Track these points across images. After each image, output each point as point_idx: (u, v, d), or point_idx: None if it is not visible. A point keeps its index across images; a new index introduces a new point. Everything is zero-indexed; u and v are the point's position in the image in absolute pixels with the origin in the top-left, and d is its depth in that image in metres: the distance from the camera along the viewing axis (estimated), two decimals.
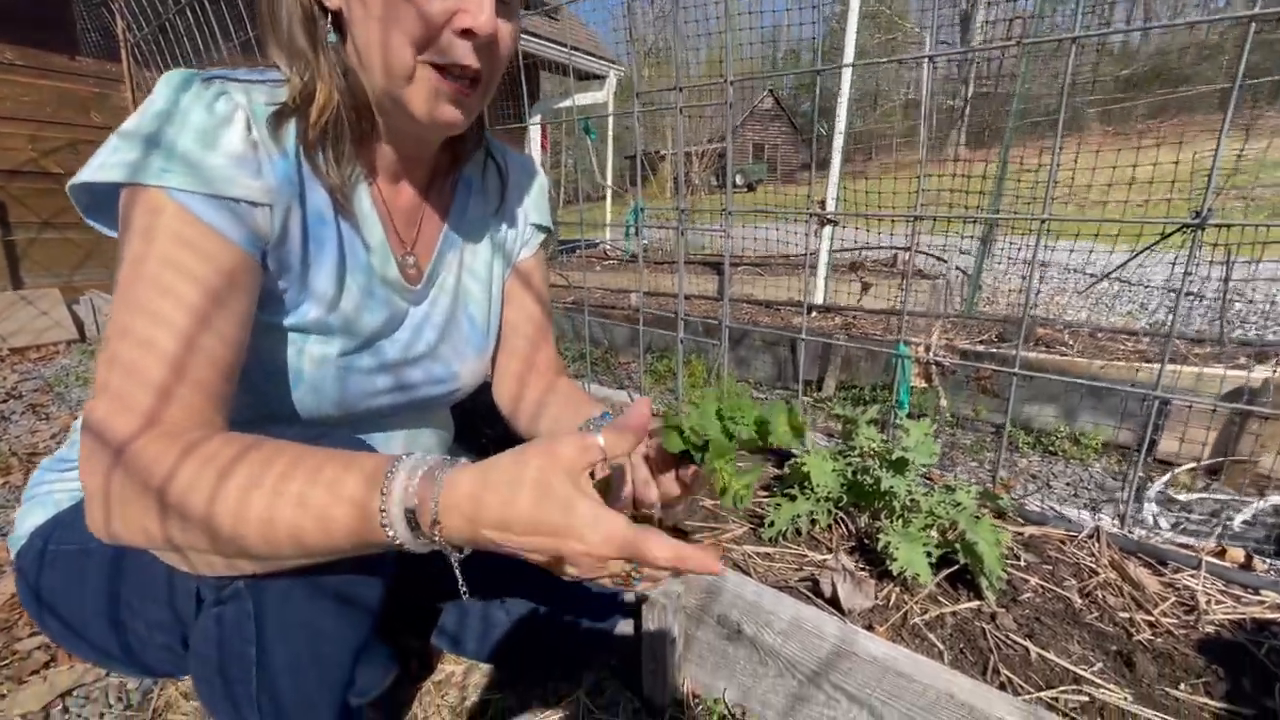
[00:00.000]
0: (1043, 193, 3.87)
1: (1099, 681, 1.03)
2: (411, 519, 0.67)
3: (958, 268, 4.85)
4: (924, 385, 1.61)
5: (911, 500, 1.36)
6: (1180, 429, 2.39)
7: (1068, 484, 2.37)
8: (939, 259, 5.07)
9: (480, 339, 1.12)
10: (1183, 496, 1.80)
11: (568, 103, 8.11)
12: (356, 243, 0.93)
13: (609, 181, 7.68)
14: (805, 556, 1.37)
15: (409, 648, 1.53)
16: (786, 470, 1.55)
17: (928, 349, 1.60)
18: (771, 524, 1.40)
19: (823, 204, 2.79)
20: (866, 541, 1.40)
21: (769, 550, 1.38)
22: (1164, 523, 1.86)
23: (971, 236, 4.61)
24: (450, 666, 1.48)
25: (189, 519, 0.66)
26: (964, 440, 2.74)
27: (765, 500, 1.57)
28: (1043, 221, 1.31)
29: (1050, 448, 2.63)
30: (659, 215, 7.76)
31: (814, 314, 3.75)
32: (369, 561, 0.80)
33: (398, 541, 0.68)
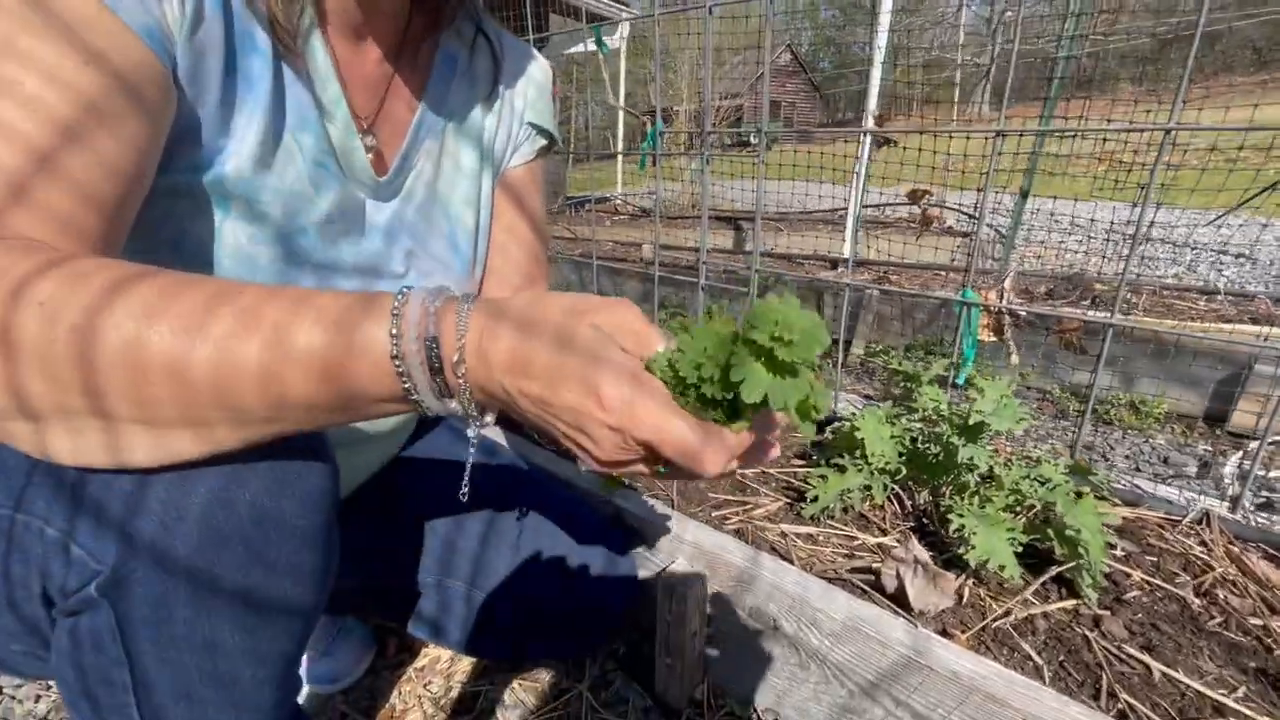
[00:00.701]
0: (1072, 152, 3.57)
1: (1248, 712, 0.81)
2: (433, 351, 0.49)
3: (990, 225, 4.58)
4: (993, 338, 1.37)
5: (988, 475, 1.13)
6: (1259, 400, 2.15)
7: (1126, 456, 2.13)
8: (968, 214, 4.78)
9: (462, 268, 0.88)
10: (1276, 473, 1.57)
11: (579, 48, 7.73)
12: (303, 96, 0.68)
13: (620, 102, 7.30)
14: (855, 539, 1.15)
15: (386, 625, 1.33)
16: (829, 435, 1.32)
17: (1000, 295, 1.37)
18: (814, 499, 1.17)
19: (880, 119, 2.50)
20: (926, 522, 1.18)
21: (811, 530, 1.16)
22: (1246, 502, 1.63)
23: (1007, 190, 4.32)
24: (434, 650, 1.28)
25: (50, 353, 0.43)
26: None
27: (803, 469, 1.34)
28: (1167, 133, 1.05)
29: (1106, 416, 2.40)
30: (676, 141, 7.42)
31: (841, 269, 3.48)
32: (300, 534, 0.57)
33: (407, 384, 0.50)
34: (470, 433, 0.56)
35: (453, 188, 0.86)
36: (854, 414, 1.27)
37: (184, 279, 0.47)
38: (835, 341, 2.66)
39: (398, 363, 0.48)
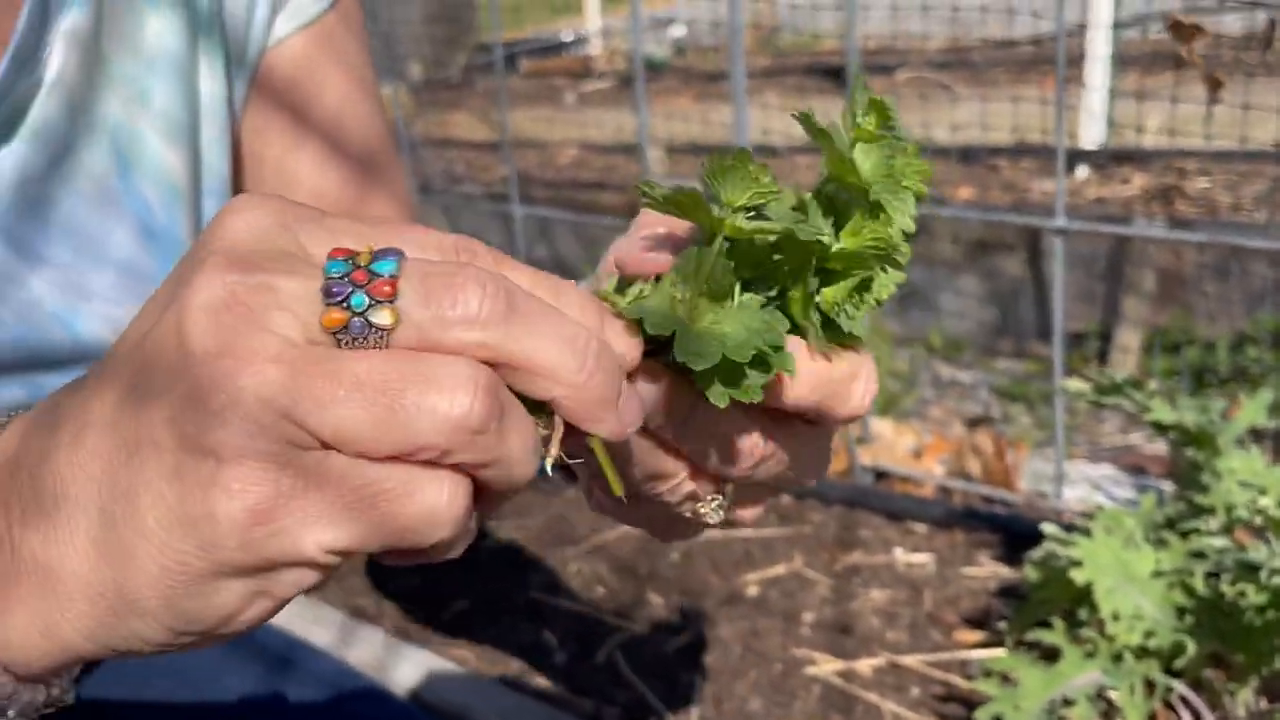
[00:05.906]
0: None
1: None
2: None
3: None
4: None
5: None
6: None
7: None
8: None
9: (168, 250, 0.44)
10: None
11: None
12: None
13: None
14: None
15: None
16: (1026, 573, 0.72)
17: None
18: None
19: None
20: None
21: None
22: None
23: None
24: None
25: None
26: None
27: (976, 651, 0.77)
28: None
29: None
30: None
31: (1083, 172, 2.35)
32: None
33: None
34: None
35: (136, 104, 0.41)
36: (1084, 529, 0.67)
37: None
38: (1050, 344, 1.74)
39: None
